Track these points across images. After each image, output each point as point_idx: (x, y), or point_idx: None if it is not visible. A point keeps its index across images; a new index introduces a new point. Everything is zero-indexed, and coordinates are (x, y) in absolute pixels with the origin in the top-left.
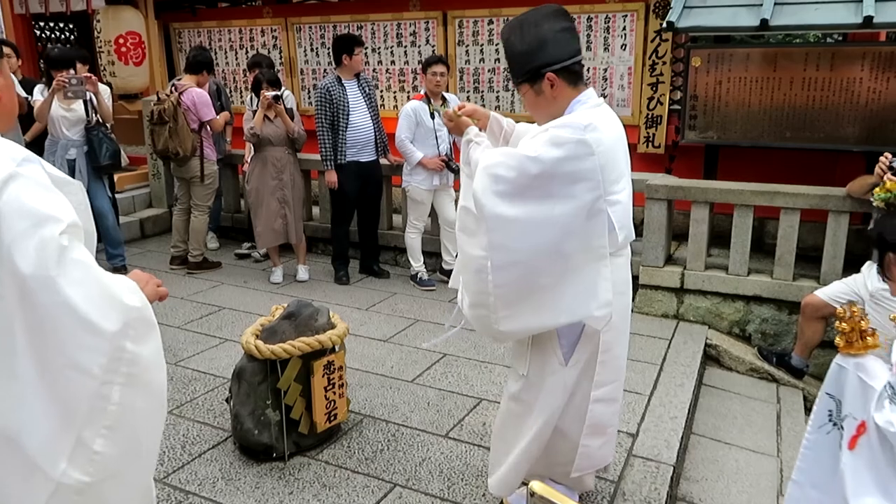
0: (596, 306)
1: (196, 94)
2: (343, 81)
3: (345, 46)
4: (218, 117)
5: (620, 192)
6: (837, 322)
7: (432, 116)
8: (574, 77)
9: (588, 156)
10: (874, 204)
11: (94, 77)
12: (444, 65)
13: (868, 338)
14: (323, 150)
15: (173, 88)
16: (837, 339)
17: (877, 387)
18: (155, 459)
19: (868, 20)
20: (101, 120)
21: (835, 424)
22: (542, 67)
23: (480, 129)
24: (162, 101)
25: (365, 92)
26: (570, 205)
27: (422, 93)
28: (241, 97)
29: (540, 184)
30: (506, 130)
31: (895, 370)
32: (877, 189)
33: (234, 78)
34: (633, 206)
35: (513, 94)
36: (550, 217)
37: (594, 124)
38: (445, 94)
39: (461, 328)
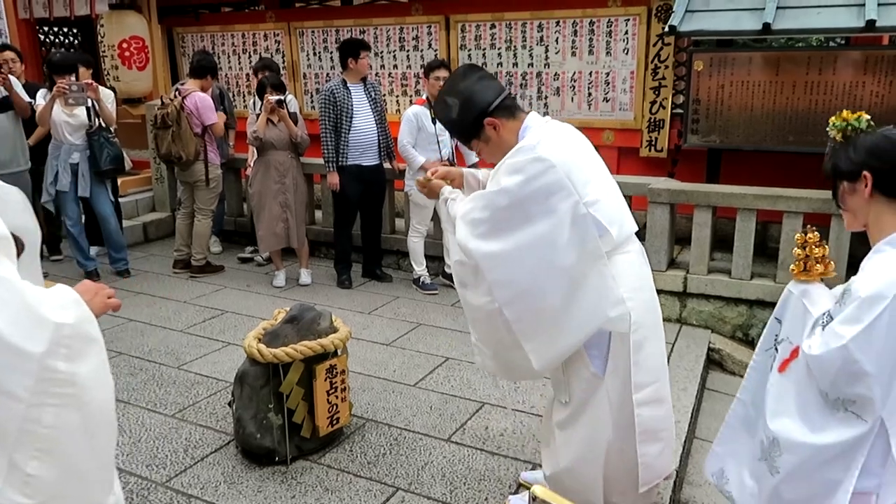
0: (610, 306)
1: (199, 98)
2: (349, 85)
3: (351, 50)
4: (217, 120)
5: (595, 191)
6: (794, 249)
7: (434, 122)
8: (509, 111)
9: (549, 168)
10: (831, 135)
11: (94, 83)
12: (446, 69)
13: (820, 265)
14: (326, 152)
15: (177, 93)
16: (792, 266)
17: (815, 314)
18: (109, 477)
19: (871, 24)
20: (103, 125)
21: (776, 348)
22: (479, 118)
23: (457, 188)
24: (165, 105)
25: (371, 96)
26: (552, 219)
27: (424, 97)
28: (245, 101)
29: (515, 212)
30: (481, 181)
31: (841, 301)
32: (832, 118)
33: (238, 82)
34: (634, 210)
35: (514, 99)
36: (537, 237)
37: (542, 140)
38: None
39: (462, 331)
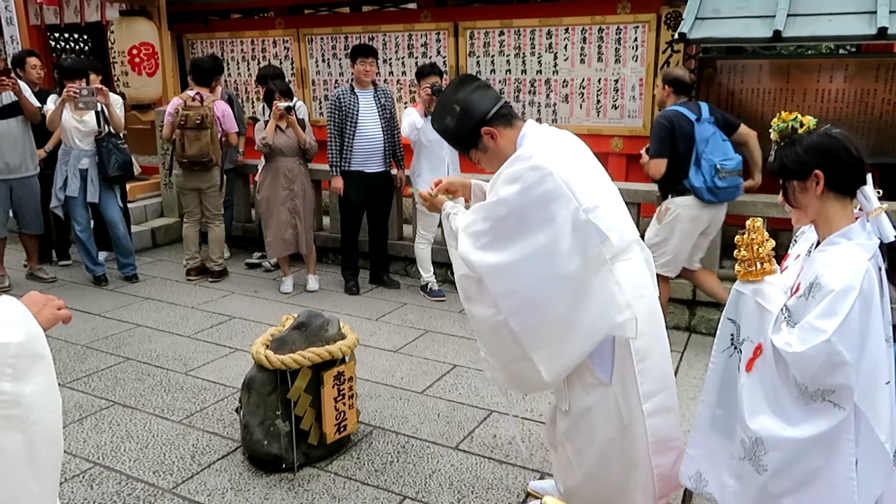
0: (616, 311)
1: (224, 107)
2: (356, 91)
3: (351, 56)
4: (237, 129)
5: (593, 197)
6: (737, 250)
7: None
8: (506, 119)
9: (546, 176)
10: (772, 137)
11: (105, 88)
12: (437, 75)
13: (765, 264)
14: (331, 156)
15: (198, 96)
16: (737, 267)
17: (773, 311)
18: (55, 497)
19: (882, 31)
20: (112, 131)
21: (735, 348)
22: (476, 127)
23: (464, 199)
24: (199, 105)
25: (380, 103)
26: (552, 227)
27: (418, 101)
28: (253, 108)
29: (515, 222)
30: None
31: (791, 295)
32: (774, 120)
33: (247, 88)
34: (644, 216)
35: (524, 105)
36: (539, 246)
37: (538, 148)
38: None
39: (469, 338)
